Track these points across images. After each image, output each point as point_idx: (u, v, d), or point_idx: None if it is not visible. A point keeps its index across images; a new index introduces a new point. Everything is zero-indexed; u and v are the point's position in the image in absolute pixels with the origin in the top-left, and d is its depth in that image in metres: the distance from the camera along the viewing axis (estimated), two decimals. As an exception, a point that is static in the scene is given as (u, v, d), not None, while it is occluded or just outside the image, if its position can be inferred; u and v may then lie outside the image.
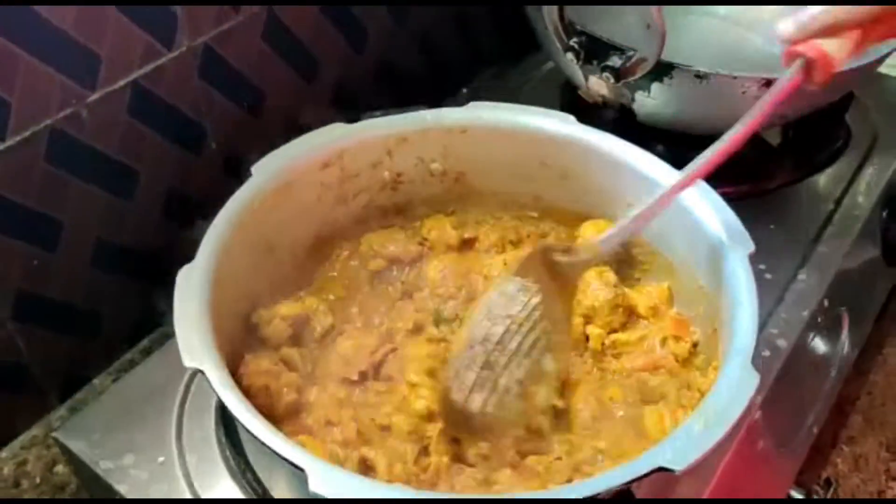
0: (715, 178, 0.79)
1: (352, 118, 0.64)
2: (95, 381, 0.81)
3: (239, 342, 0.57)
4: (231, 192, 0.58)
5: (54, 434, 0.63)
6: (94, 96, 0.68)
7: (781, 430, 0.68)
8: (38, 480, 0.75)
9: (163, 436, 0.61)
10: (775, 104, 0.50)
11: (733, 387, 0.44)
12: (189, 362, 0.45)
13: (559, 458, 0.51)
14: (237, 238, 0.54)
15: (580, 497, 0.39)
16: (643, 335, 0.58)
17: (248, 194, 0.55)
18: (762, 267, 0.72)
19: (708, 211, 0.56)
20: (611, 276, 0.59)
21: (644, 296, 0.60)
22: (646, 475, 0.40)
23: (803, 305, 0.70)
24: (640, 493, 0.42)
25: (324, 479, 0.39)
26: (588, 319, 0.59)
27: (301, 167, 0.59)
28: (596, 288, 0.59)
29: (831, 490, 0.75)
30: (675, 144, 0.79)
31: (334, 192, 0.63)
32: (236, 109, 0.81)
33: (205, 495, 0.58)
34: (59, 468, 0.75)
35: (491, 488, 0.48)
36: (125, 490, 0.58)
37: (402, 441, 0.51)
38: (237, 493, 0.57)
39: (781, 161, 0.84)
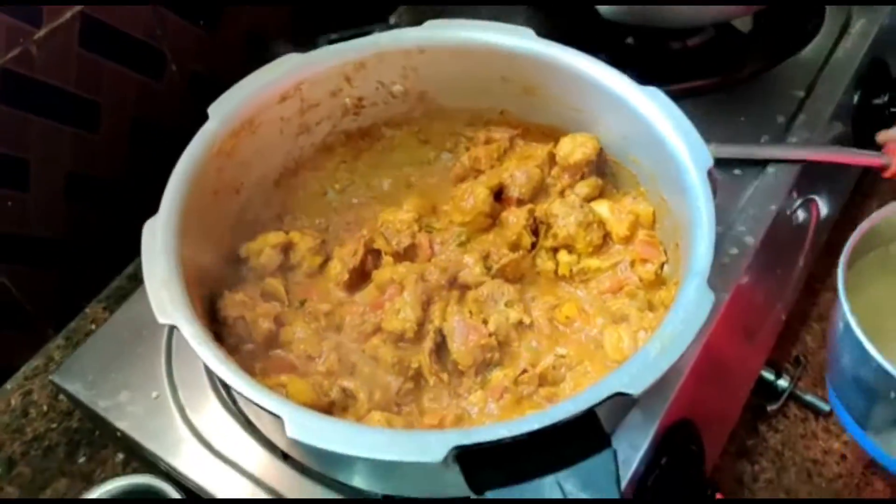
0: (685, 73, 0.79)
1: (307, 44, 0.63)
2: (87, 310, 0.84)
3: (219, 281, 0.59)
4: (201, 113, 0.58)
5: (51, 378, 0.65)
6: (41, 32, 0.67)
7: (750, 323, 0.71)
8: (45, 408, 0.79)
9: (154, 372, 0.64)
10: None
11: (690, 310, 0.46)
12: (163, 319, 0.46)
13: (525, 371, 0.53)
14: (200, 185, 0.54)
15: (542, 426, 0.41)
16: (616, 261, 0.59)
17: (207, 139, 0.55)
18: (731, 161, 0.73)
19: (667, 124, 0.56)
20: (573, 198, 0.60)
21: (620, 220, 0.60)
22: (605, 400, 0.42)
23: (771, 200, 0.71)
24: (601, 410, 0.45)
25: (300, 425, 0.42)
26: (569, 249, 0.60)
27: (258, 103, 0.58)
28: (562, 215, 0.59)
29: (801, 367, 0.79)
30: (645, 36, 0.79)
31: (296, 124, 0.62)
32: (193, 28, 0.79)
33: (199, 426, 0.61)
34: (63, 396, 0.78)
35: (464, 412, 0.51)
36: (125, 426, 0.61)
37: (383, 370, 0.54)
38: (230, 423, 0.61)
39: (751, 48, 0.82)
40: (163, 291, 0.47)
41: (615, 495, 0.41)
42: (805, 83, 0.80)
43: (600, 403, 0.42)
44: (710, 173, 0.53)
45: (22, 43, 0.67)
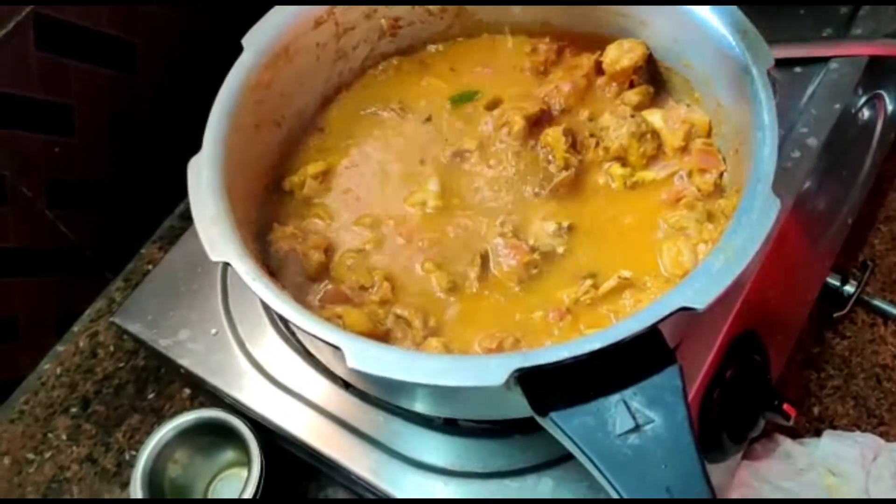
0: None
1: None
2: (143, 251, 0.85)
3: (268, 215, 0.58)
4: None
5: (112, 319, 0.67)
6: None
7: (814, 229, 0.68)
8: (111, 349, 0.82)
9: (212, 308, 0.64)
10: None
11: (753, 219, 0.44)
12: (215, 257, 0.46)
13: (587, 293, 0.52)
14: (240, 120, 0.53)
15: (603, 345, 0.40)
16: (672, 172, 0.57)
17: (243, 71, 0.54)
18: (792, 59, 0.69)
19: (721, 21, 0.52)
20: (623, 108, 0.57)
21: (674, 130, 0.57)
22: (669, 316, 0.41)
23: (835, 98, 0.67)
24: (665, 328, 0.43)
25: (360, 355, 0.42)
26: (622, 162, 0.57)
27: (292, 31, 0.56)
28: (614, 127, 0.57)
29: (867, 272, 0.76)
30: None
31: (332, 49, 0.60)
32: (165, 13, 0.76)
33: (259, 359, 0.62)
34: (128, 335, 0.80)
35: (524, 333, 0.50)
36: (187, 363, 0.62)
37: (436, 291, 0.53)
38: (289, 355, 0.61)
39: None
40: (212, 229, 0.47)
41: (683, 411, 0.40)
42: (870, -30, 0.74)
43: (664, 319, 0.41)
44: (768, 73, 0.49)
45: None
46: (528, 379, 0.42)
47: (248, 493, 0.65)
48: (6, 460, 0.77)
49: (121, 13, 0.72)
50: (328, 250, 0.55)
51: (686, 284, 0.42)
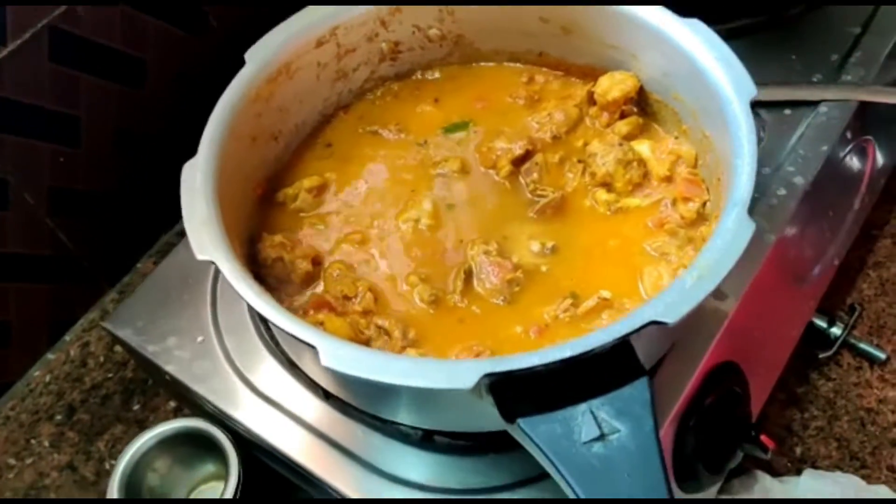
0: (730, 10, 0.76)
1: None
2: (139, 265, 0.87)
3: (258, 225, 0.59)
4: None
5: (103, 324, 0.68)
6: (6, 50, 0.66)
7: (799, 266, 0.69)
8: (101, 359, 0.82)
9: (200, 318, 0.65)
10: None
11: (728, 239, 0.45)
12: (201, 256, 0.47)
13: (566, 311, 0.53)
14: (237, 130, 0.55)
15: (574, 354, 0.41)
16: (657, 200, 0.58)
17: (244, 83, 0.56)
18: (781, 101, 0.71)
19: (709, 55, 0.54)
20: (612, 136, 0.59)
21: (660, 160, 0.59)
22: (639, 329, 0.42)
23: (822, 141, 0.68)
24: (638, 343, 0.44)
25: (333, 354, 0.42)
26: (608, 188, 0.59)
27: (295, 48, 0.58)
28: (601, 153, 0.58)
29: (855, 315, 0.76)
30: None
31: (333, 69, 0.62)
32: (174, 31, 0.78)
33: (244, 369, 0.62)
34: (120, 347, 0.81)
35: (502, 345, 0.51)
36: (172, 369, 0.63)
37: (418, 304, 0.54)
38: (273, 365, 0.62)
39: (804, -15, 0.79)
40: (201, 229, 0.48)
41: (650, 423, 0.41)
42: (861, 19, 0.76)
43: (635, 332, 0.41)
44: (751, 104, 0.51)
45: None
46: (498, 386, 0.43)
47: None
48: (-13, 464, 0.77)
49: (133, 30, 0.74)
50: (316, 261, 0.56)
51: (658, 300, 0.43)
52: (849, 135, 0.70)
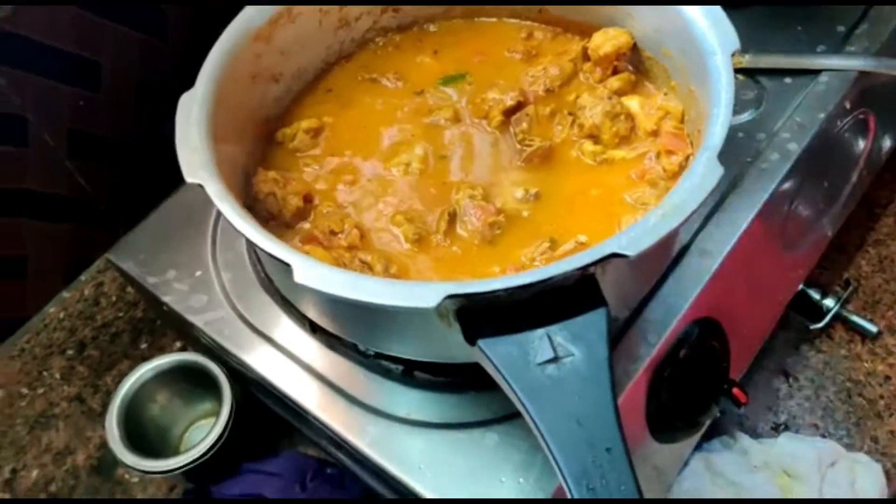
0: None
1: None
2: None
3: (255, 161, 0.62)
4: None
5: (107, 255, 0.70)
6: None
7: (789, 232, 0.69)
8: (113, 298, 0.85)
9: (200, 253, 0.68)
10: None
11: (695, 182, 0.46)
12: (190, 179, 0.49)
13: (544, 253, 0.54)
14: (236, 67, 0.57)
15: (534, 280, 0.42)
16: (642, 153, 0.59)
17: (244, 22, 0.58)
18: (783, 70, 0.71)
19: (698, 11, 0.55)
20: (602, 90, 0.60)
21: (649, 115, 0.60)
22: (599, 260, 0.43)
23: (819, 109, 0.68)
24: (607, 280, 0.45)
25: (307, 272, 0.44)
26: (594, 140, 0.60)
27: (299, -10, 0.60)
28: (589, 106, 0.59)
29: (850, 289, 0.77)
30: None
31: (335, 17, 0.64)
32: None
33: (239, 304, 0.65)
34: (131, 288, 0.84)
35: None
36: (170, 300, 0.66)
37: (403, 243, 0.56)
38: (266, 300, 0.64)
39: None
40: (192, 155, 0.50)
41: (604, 351, 0.42)
42: (871, -6, 0.76)
43: (595, 263, 0.43)
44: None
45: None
46: (465, 312, 0.44)
47: (215, 434, 0.68)
48: (1, 392, 0.81)
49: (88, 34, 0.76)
50: (307, 198, 0.58)
51: (622, 234, 0.44)
52: (847, 105, 0.70)
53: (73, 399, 0.82)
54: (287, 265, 0.45)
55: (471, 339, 0.44)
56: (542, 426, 0.40)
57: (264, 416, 0.73)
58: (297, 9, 0.61)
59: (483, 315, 0.44)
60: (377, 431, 0.57)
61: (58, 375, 0.82)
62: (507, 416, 0.56)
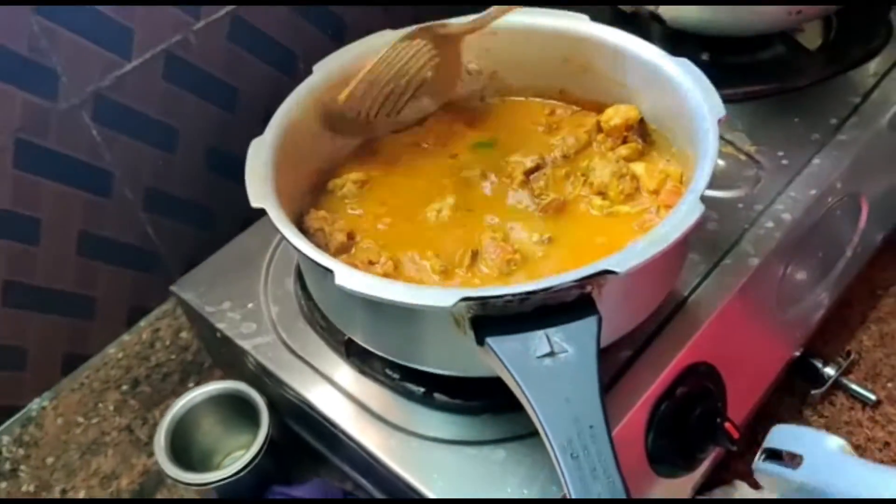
0: (742, 77, 0.86)
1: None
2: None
3: (308, 204, 0.71)
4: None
5: (172, 287, 0.80)
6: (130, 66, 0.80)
7: (785, 292, 0.75)
8: (167, 343, 0.93)
9: (252, 288, 0.77)
10: None
11: (680, 216, 0.53)
12: (255, 203, 0.59)
13: None
14: (299, 124, 0.67)
15: (536, 289, 0.50)
16: (645, 208, 0.67)
17: (308, 87, 0.69)
18: (780, 153, 0.80)
19: (691, 86, 0.64)
20: (611, 155, 0.69)
21: (652, 177, 0.69)
22: (593, 275, 0.50)
23: (813, 186, 0.76)
24: (601, 300, 0.52)
25: (345, 275, 0.52)
26: (603, 196, 0.69)
27: (356, 65, 0.71)
28: (599, 167, 0.68)
29: (850, 359, 0.81)
30: (719, 51, 0.86)
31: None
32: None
33: (283, 332, 0.73)
34: (184, 334, 0.92)
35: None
36: (223, 327, 0.74)
37: (430, 274, 0.64)
38: (308, 331, 0.72)
39: (815, 60, 0.88)
40: (260, 185, 0.60)
41: (593, 349, 0.49)
42: (863, 91, 0.85)
43: (590, 277, 0.50)
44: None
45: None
46: (477, 318, 0.52)
47: (251, 454, 0.74)
48: (60, 420, 0.88)
49: (234, 62, 0.89)
50: (350, 236, 0.67)
51: (613, 256, 0.51)
52: (839, 185, 0.77)
53: (124, 429, 0.89)
54: (329, 271, 0.53)
55: (481, 340, 0.51)
56: (536, 405, 0.47)
57: (297, 449, 0.79)
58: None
59: (492, 320, 0.51)
60: (398, 445, 0.64)
61: (111, 408, 0.89)
62: (513, 436, 0.63)
